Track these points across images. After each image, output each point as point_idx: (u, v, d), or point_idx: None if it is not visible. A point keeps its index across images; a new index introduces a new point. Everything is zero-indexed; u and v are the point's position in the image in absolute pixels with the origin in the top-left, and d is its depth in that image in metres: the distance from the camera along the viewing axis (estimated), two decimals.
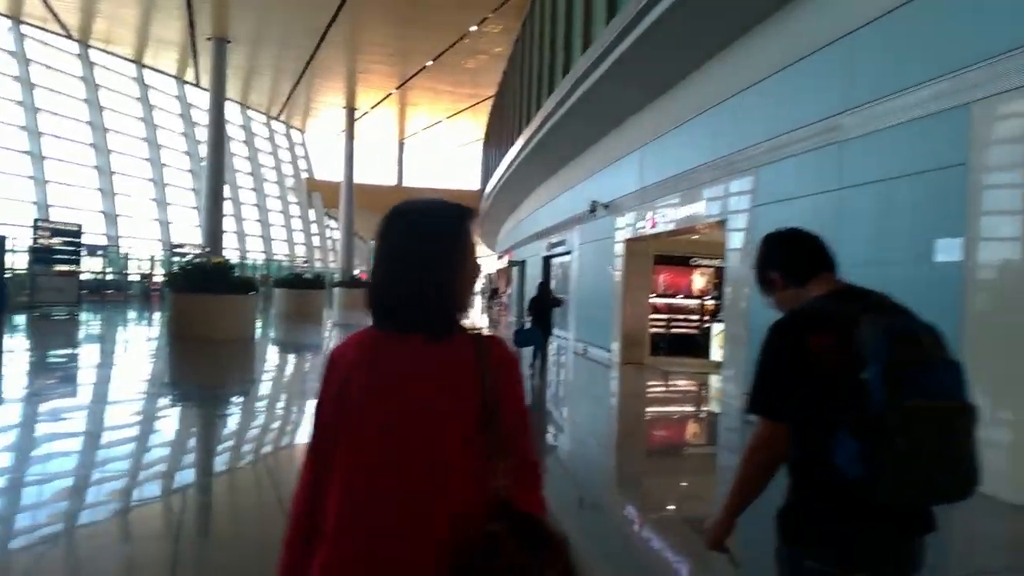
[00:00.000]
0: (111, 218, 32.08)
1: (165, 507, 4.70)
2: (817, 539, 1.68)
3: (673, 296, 15.64)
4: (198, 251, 29.23)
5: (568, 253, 18.52)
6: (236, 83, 37.03)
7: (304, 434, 7.32)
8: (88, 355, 12.88)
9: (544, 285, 13.18)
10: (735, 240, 9.76)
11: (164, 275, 26.95)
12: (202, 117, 34.70)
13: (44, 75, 30.42)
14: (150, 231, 34.91)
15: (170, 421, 7.55)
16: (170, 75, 38.31)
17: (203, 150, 32.79)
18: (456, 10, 26.66)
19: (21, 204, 27.49)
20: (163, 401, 8.67)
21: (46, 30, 30.47)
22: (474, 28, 28.59)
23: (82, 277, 22.97)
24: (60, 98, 31.05)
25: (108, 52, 33.88)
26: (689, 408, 10.78)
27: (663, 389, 12.29)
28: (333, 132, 49.43)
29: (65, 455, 5.85)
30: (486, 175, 33.43)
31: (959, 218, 5.75)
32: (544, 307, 12.28)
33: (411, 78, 37.16)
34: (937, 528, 1.69)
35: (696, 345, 15.16)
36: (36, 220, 22.67)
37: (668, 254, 14.96)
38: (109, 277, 30.14)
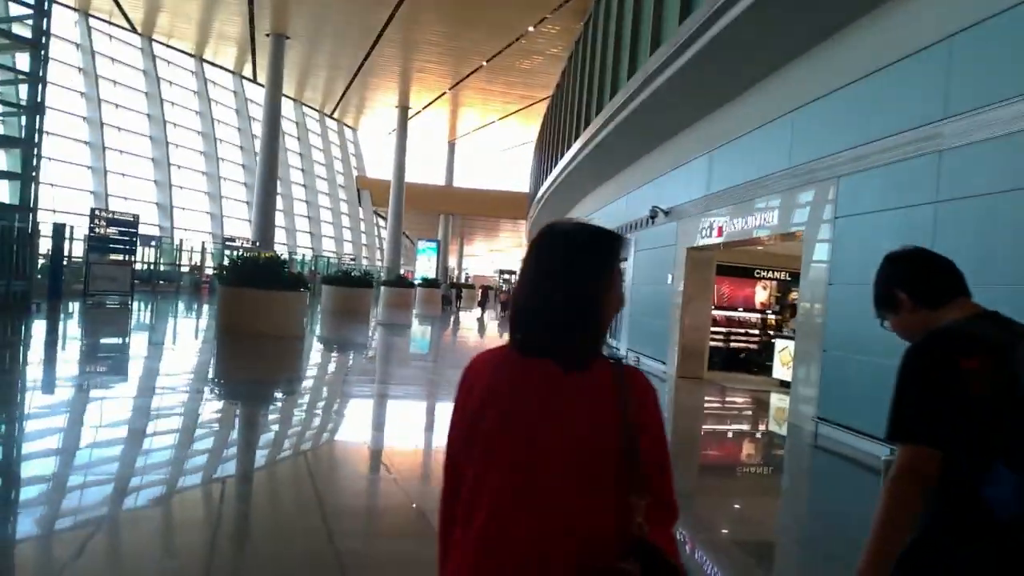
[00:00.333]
0: (165, 210, 32.65)
1: (205, 499, 4.70)
2: None
3: (734, 309, 15.02)
4: (248, 245, 29.57)
5: (623, 260, 17.95)
6: (292, 79, 37.50)
7: (347, 434, 7.27)
8: (138, 345, 12.89)
9: None
10: (813, 253, 9.19)
11: (214, 268, 27.22)
12: (257, 112, 35.17)
13: (108, 67, 31.12)
14: (202, 224, 35.46)
15: (218, 415, 7.38)
16: (228, 70, 38.97)
17: (257, 145, 33.19)
18: (514, 10, 26.42)
19: (80, 193, 28.13)
20: (212, 395, 8.50)
21: (112, 23, 31.18)
22: (531, 29, 28.30)
23: (135, 267, 23.26)
24: (122, 90, 31.73)
25: (170, 46, 34.56)
26: (759, 429, 10.19)
27: (728, 407, 11.76)
28: (384, 131, 49.76)
29: (109, 444, 5.82)
30: (537, 178, 33.04)
31: None
32: None
33: (465, 78, 37.12)
34: None
35: (753, 361, 14.57)
36: (93, 209, 23.04)
37: (730, 264, 14.38)
38: (161, 268, 30.61)
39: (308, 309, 15.36)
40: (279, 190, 33.12)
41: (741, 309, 15.09)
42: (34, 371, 9.25)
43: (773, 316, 15.19)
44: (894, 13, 7.71)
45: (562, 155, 22.69)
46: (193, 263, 32.91)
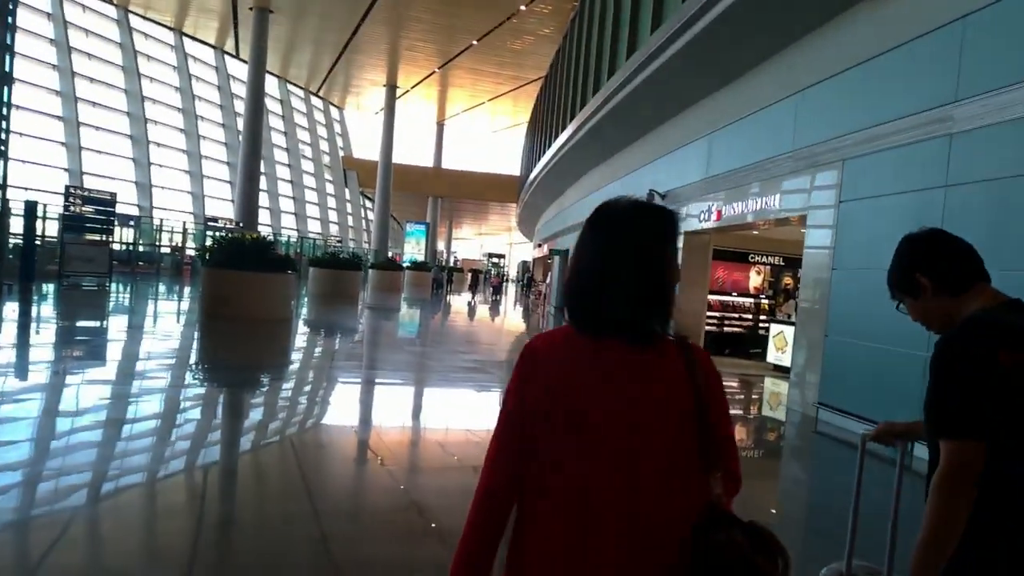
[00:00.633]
0: (144, 189, 31.98)
1: (188, 486, 4.56)
2: None
3: (728, 293, 14.88)
4: (231, 226, 29.05)
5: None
6: (276, 56, 36.81)
7: (336, 419, 7.01)
8: (118, 328, 12.49)
9: None
10: (815, 237, 9.01)
11: (196, 249, 26.71)
12: (240, 89, 34.49)
13: (82, 40, 30.26)
14: (183, 204, 34.81)
15: (203, 401, 7.06)
16: (210, 45, 38.13)
17: (240, 123, 32.55)
18: None
19: (53, 171, 27.40)
20: (196, 381, 8.19)
21: None
22: (523, 8, 27.85)
23: (114, 248, 22.72)
24: (98, 64, 30.91)
25: (148, 19, 33.70)
26: (758, 414, 10.03)
27: (726, 392, 11.51)
28: (372, 110, 49.12)
29: (86, 431, 5.57)
30: (529, 161, 32.70)
31: None
32: None
33: (455, 58, 36.61)
34: None
35: (746, 345, 14.48)
36: (68, 187, 22.41)
37: (724, 249, 14.23)
38: (140, 249, 30.03)
39: (296, 292, 15.02)
40: (263, 170, 32.52)
41: (735, 294, 14.95)
42: (5, 355, 8.87)
43: (767, 301, 15.08)
44: None
45: (556, 137, 22.40)
46: (174, 244, 32.33)
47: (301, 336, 13.54)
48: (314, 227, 46.45)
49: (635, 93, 13.15)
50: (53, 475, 4.48)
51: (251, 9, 29.21)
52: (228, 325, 12.43)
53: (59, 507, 3.93)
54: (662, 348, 1.31)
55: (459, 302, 30.73)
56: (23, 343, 9.93)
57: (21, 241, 19.41)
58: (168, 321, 14.72)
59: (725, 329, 14.83)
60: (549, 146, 24.12)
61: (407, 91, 44.22)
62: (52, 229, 21.80)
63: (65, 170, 27.95)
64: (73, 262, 19.46)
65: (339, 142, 52.64)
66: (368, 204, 53.00)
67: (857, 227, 8.07)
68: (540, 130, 29.80)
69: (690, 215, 12.78)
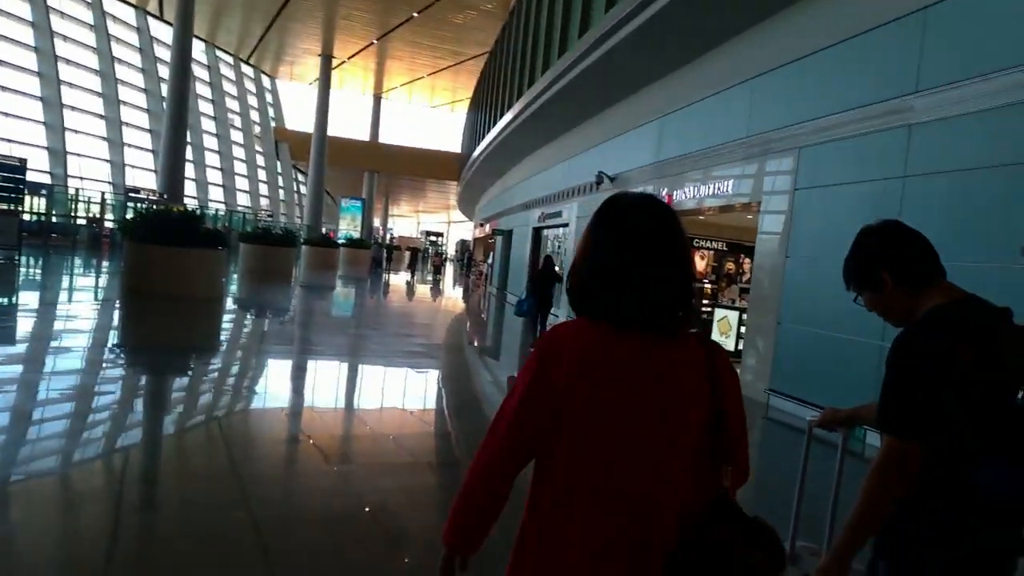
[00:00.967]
0: (58, 155, 29.95)
1: (106, 472, 4.33)
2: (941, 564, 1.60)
3: None
4: (155, 197, 27.55)
5: (564, 226, 17.60)
6: (204, 19, 34.94)
7: (267, 403, 6.61)
8: (27, 305, 11.49)
9: (549, 259, 12.45)
10: (769, 224, 8.97)
11: (116, 221, 25.18)
12: (164, 54, 32.64)
13: None
14: (101, 172, 32.82)
15: (125, 385, 6.48)
16: (130, 4, 35.88)
17: (164, 89, 30.82)
18: None
19: None
20: (118, 363, 7.53)
21: None
22: None
23: (23, 218, 21.10)
24: (2, 19, 28.61)
25: None
26: None
27: None
28: (306, 80, 47.55)
29: None
30: (472, 139, 32.13)
31: None
32: (548, 282, 11.60)
33: (393, 30, 35.61)
34: None
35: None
36: None
37: None
38: (54, 220, 28.26)
39: (226, 269, 14.24)
40: (189, 139, 30.90)
41: None
42: None
43: (710, 285, 15.16)
44: None
45: (500, 116, 21.98)
46: (91, 215, 30.50)
47: (234, 316, 12.85)
48: (243, 200, 44.68)
49: (586, 73, 12.87)
50: None
51: None
52: (153, 304, 11.64)
53: None
54: (684, 342, 1.33)
55: (399, 281, 30.15)
56: None
57: None
58: (85, 298, 13.72)
59: None
60: (493, 125, 23.69)
61: (343, 62, 42.88)
62: None
63: None
64: None
65: (271, 112, 50.68)
66: (301, 178, 51.35)
67: (812, 215, 8.05)
68: (484, 108, 29.28)
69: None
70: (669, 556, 1.25)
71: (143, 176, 34.27)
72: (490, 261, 30.82)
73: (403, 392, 7.73)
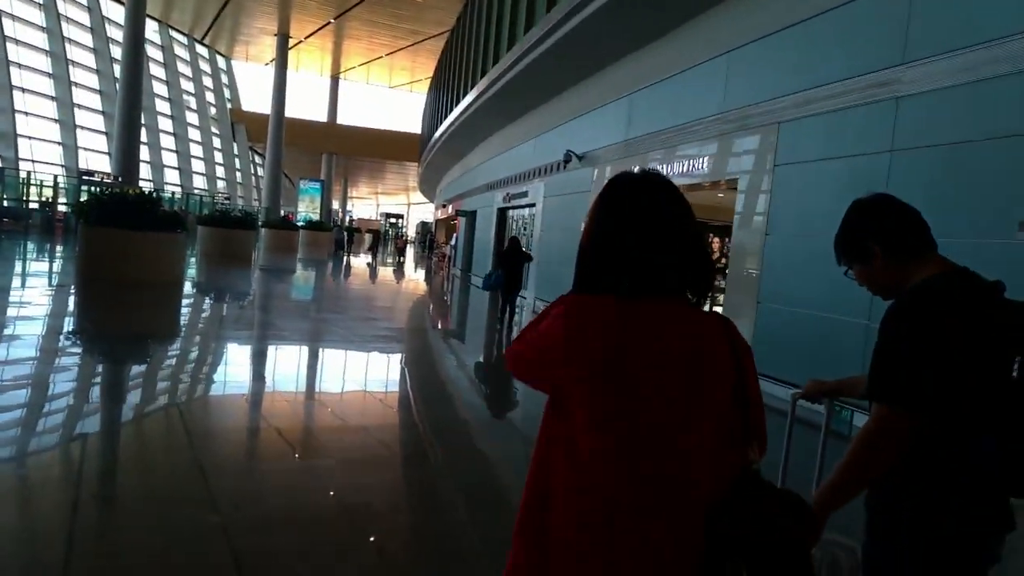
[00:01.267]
0: (7, 138, 28.72)
1: (62, 464, 4.09)
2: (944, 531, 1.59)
3: None
4: (109, 180, 26.63)
5: (530, 206, 17.35)
6: None
7: (230, 389, 6.43)
8: None
9: (516, 240, 12.25)
10: (748, 202, 8.86)
11: (69, 205, 24.29)
12: (117, 33, 31.40)
13: None
14: (53, 155, 31.58)
15: (80, 373, 6.15)
16: None
17: (117, 70, 29.67)
18: None
19: None
20: (73, 351, 7.13)
21: None
22: None
23: None
24: None
25: None
26: None
27: None
28: (262, 61, 46.35)
29: None
30: (433, 120, 31.60)
31: None
32: (516, 262, 11.42)
33: (351, 8, 34.77)
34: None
35: None
36: None
37: None
38: (5, 204, 27.44)
39: (184, 253, 13.72)
40: (143, 121, 29.84)
41: None
42: None
43: None
44: None
45: (463, 96, 21.57)
46: (44, 199, 29.43)
47: (193, 300, 12.39)
48: (200, 183, 43.46)
49: (554, 49, 12.59)
50: None
51: None
52: (110, 289, 11.15)
53: None
54: (704, 318, 1.32)
55: (360, 263, 29.66)
56: None
57: None
58: (39, 284, 13.10)
59: None
60: (456, 104, 23.26)
61: (300, 42, 41.85)
62: None
63: None
64: None
65: (226, 93, 49.27)
66: (258, 160, 50.13)
67: (793, 192, 7.92)
68: (445, 88, 28.78)
69: (609, 177, 12.49)
70: (703, 526, 1.24)
71: (97, 159, 33.10)
72: (453, 243, 30.47)
73: (366, 377, 7.49)
